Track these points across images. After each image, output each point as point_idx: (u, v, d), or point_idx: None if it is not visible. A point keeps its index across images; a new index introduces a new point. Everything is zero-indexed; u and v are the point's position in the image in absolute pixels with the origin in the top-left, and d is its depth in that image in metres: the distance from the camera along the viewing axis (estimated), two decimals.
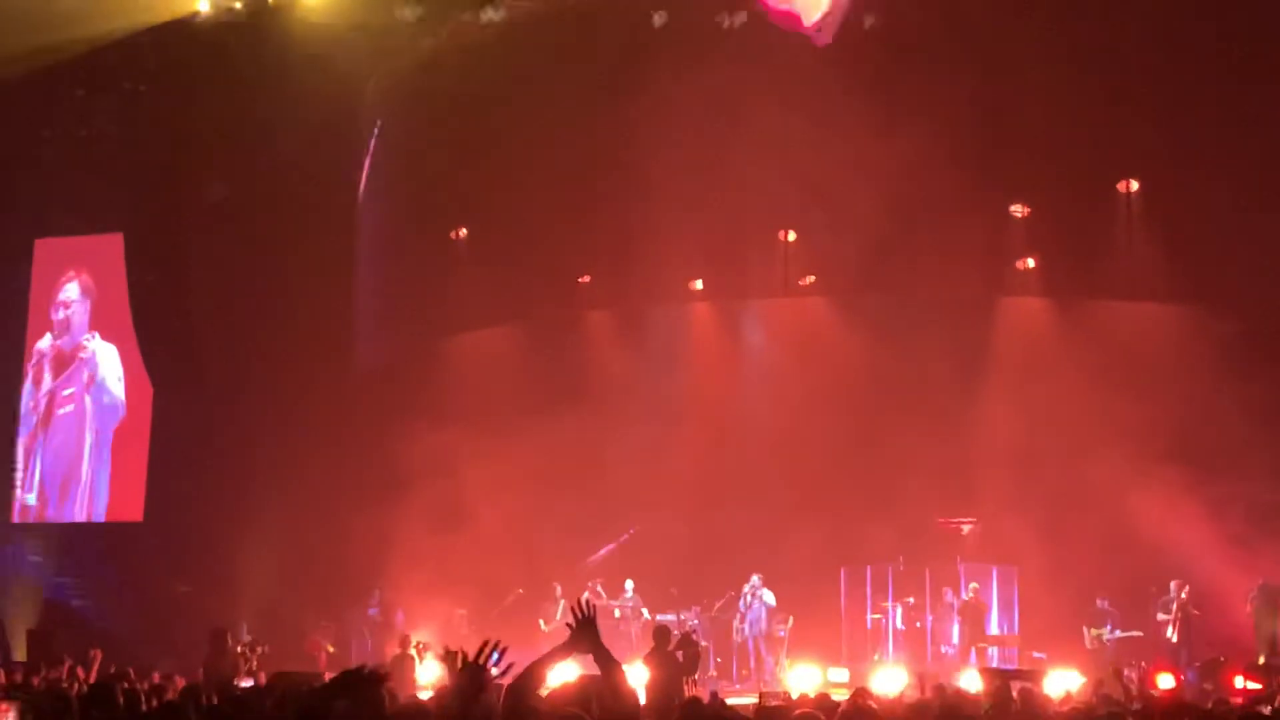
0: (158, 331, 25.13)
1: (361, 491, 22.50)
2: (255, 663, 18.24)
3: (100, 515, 25.47)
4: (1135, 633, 20.68)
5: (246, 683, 15.71)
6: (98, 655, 16.98)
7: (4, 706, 10.26)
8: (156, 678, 15.36)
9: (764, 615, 22.06)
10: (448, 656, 6.95)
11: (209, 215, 24.32)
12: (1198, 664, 19.14)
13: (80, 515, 25.59)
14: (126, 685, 10.77)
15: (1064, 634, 20.79)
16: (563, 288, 24.77)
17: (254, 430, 23.60)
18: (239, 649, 17.62)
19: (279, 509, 22.49)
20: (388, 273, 24.82)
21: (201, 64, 23.69)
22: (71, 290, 26.14)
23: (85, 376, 25.80)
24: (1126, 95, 20.97)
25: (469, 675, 5.61)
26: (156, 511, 24.60)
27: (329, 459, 23.15)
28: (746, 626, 22.19)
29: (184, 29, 24.08)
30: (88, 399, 25.79)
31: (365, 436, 23.24)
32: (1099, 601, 20.90)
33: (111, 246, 25.78)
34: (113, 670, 15.55)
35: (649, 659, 15.85)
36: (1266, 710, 12.68)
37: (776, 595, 22.16)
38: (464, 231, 24.82)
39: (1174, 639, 20.13)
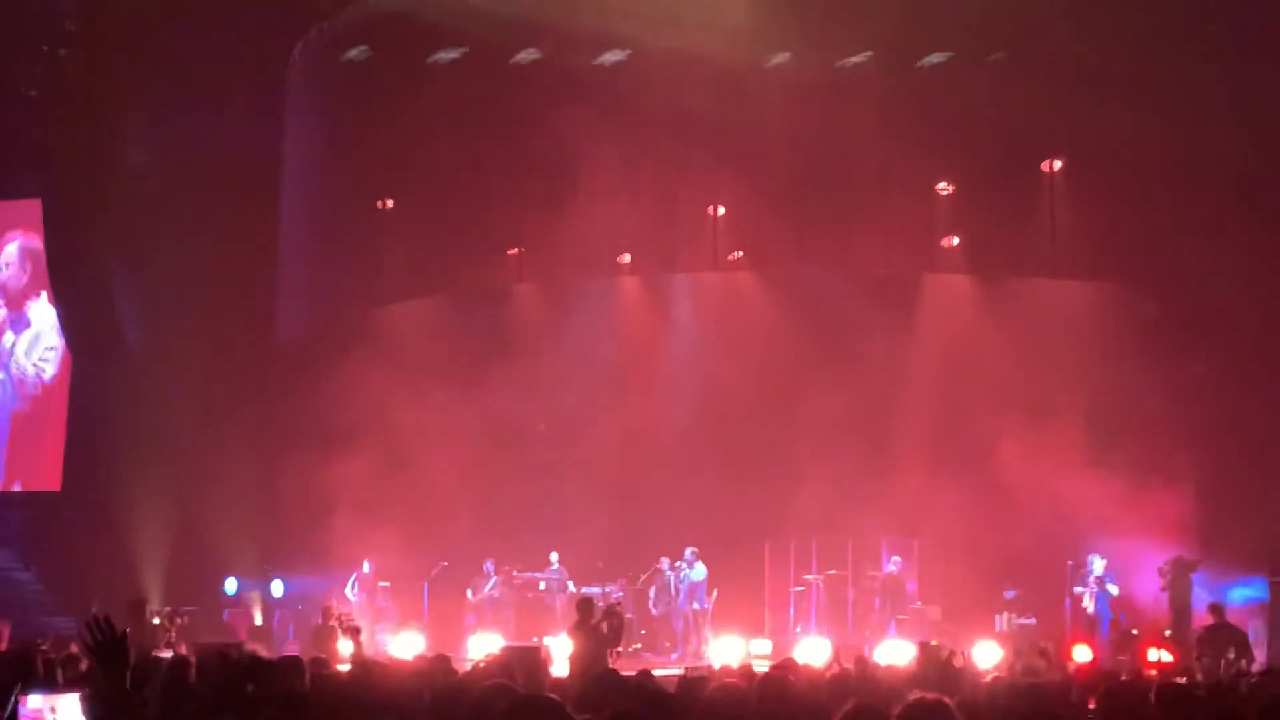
0: (76, 299, 24.72)
1: (283, 462, 22.29)
2: (174, 634, 18.05)
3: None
4: (1030, 620, 20.85)
5: (165, 654, 15.53)
6: (6, 626, 16.72)
7: None
8: (74, 648, 15.13)
9: (691, 589, 22.13)
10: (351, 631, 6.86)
11: (129, 182, 23.91)
12: (1113, 637, 19.46)
13: None
14: (41, 656, 10.58)
15: (984, 607, 21.05)
16: (491, 259, 24.63)
17: (174, 400, 23.30)
18: (157, 620, 17.42)
19: (198, 479, 22.26)
20: (312, 242, 24.57)
21: (122, 29, 23.26)
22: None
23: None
24: (1050, 74, 21.18)
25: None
26: (74, 481, 24.24)
27: (251, 429, 22.94)
28: (665, 600, 22.25)
29: None
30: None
31: (288, 408, 23.03)
32: (1006, 593, 21.02)
33: (32, 212, 25.33)
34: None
35: (573, 631, 15.90)
36: (1181, 681, 12.94)
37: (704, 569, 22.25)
38: (390, 202, 24.58)
39: (1091, 612, 20.42)
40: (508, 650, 15.87)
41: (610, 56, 22.55)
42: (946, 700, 5.08)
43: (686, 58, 21.49)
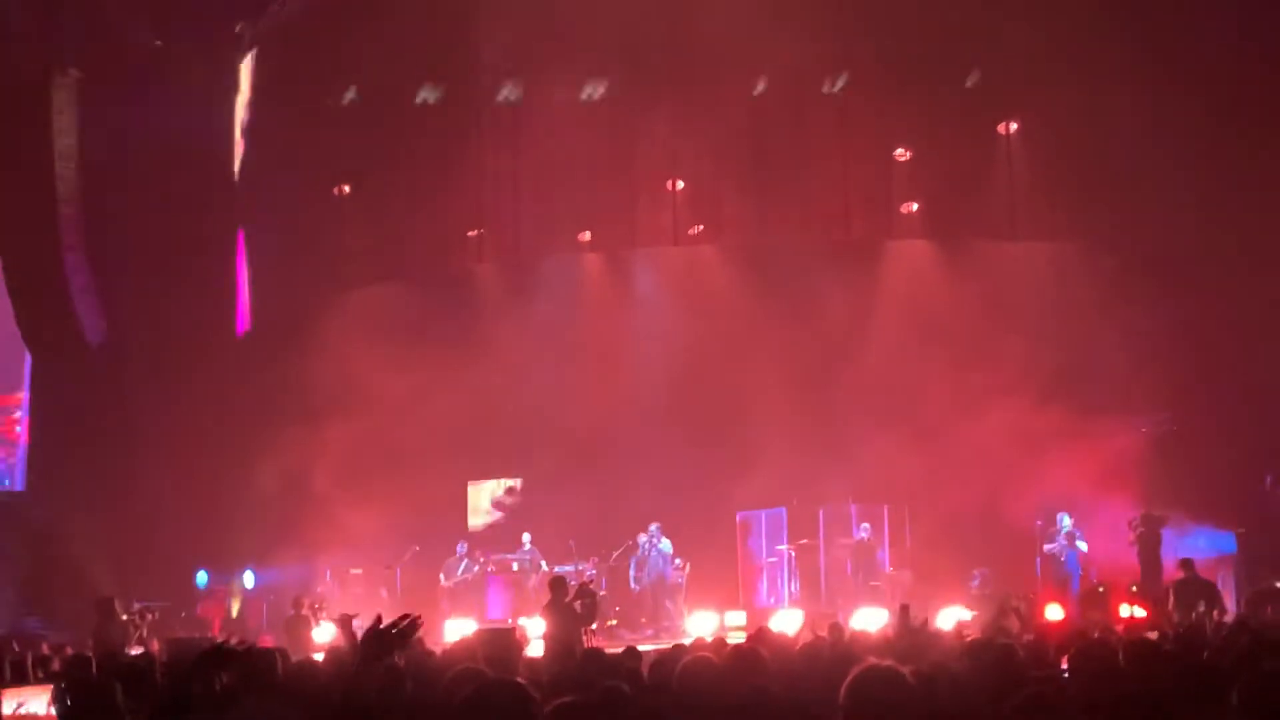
0: (33, 296, 24.44)
1: (250, 453, 22.16)
2: (145, 630, 17.93)
3: None
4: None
5: (136, 650, 15.45)
6: None
7: None
8: (45, 648, 15.05)
9: (661, 563, 22.15)
10: (343, 621, 6.86)
11: (84, 174, 23.65)
12: (1084, 593, 19.59)
13: None
14: (13, 656, 10.53)
15: (954, 571, 21.13)
16: (451, 242, 24.54)
17: (137, 394, 23.11)
18: (126, 617, 17.29)
19: (164, 473, 22.11)
20: (271, 230, 24.37)
21: (74, 18, 22.98)
22: None
23: None
24: (1003, 37, 21.24)
25: (376, 643, 5.48)
26: (39, 479, 24.03)
27: (214, 420, 22.76)
28: (645, 575, 22.26)
29: None
30: None
31: (252, 397, 22.86)
32: (973, 580, 20.91)
33: None
34: None
35: (546, 610, 15.88)
36: (1153, 636, 13.02)
37: (673, 542, 22.27)
38: (347, 188, 24.43)
39: (1061, 570, 20.55)
40: (481, 633, 15.88)
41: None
42: (898, 667, 5.06)
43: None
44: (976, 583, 20.96)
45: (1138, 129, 21.04)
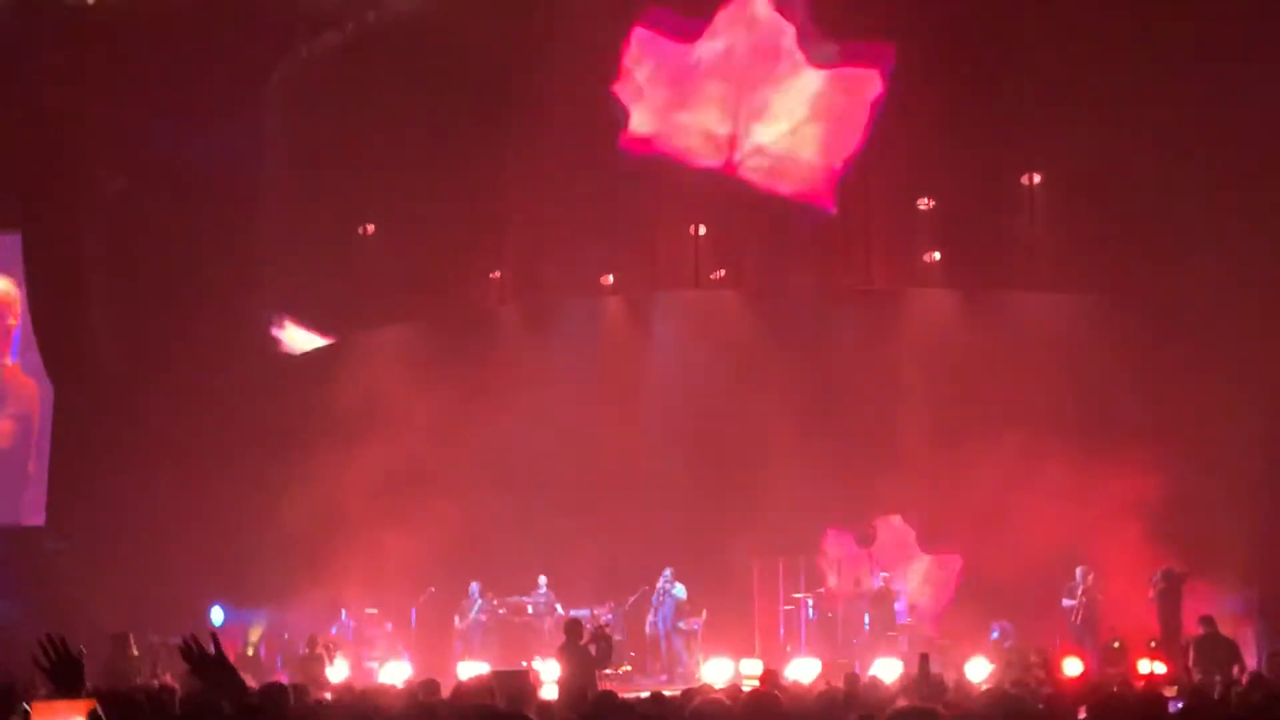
0: (57, 330, 24.60)
1: (269, 489, 22.18)
2: (159, 664, 17.91)
3: None
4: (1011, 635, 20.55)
5: (152, 684, 15.41)
6: None
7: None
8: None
9: (674, 609, 22.03)
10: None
11: (108, 209, 23.85)
12: (1102, 648, 19.41)
13: None
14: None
15: (973, 622, 20.97)
16: (473, 283, 24.62)
17: (157, 429, 23.19)
18: (138, 652, 17.28)
19: (182, 509, 22.15)
20: (294, 269, 24.50)
21: (95, 54, 23.23)
22: None
23: None
24: (1028, 89, 21.31)
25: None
26: (58, 513, 24.08)
27: (233, 456, 22.82)
28: (659, 620, 22.15)
29: (74, 16, 23.53)
30: None
31: (272, 433, 22.92)
32: (992, 632, 20.70)
33: (10, 245, 25.18)
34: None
35: (561, 653, 15.84)
36: (1170, 692, 12.91)
37: (689, 589, 22.15)
38: (371, 227, 24.56)
39: (1079, 624, 20.38)
40: (494, 674, 15.81)
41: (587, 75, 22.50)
42: (937, 709, 5.00)
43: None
44: (996, 635, 20.79)
45: (1161, 180, 21.05)
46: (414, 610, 22.71)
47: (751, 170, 22.02)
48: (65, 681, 5.48)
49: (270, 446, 22.98)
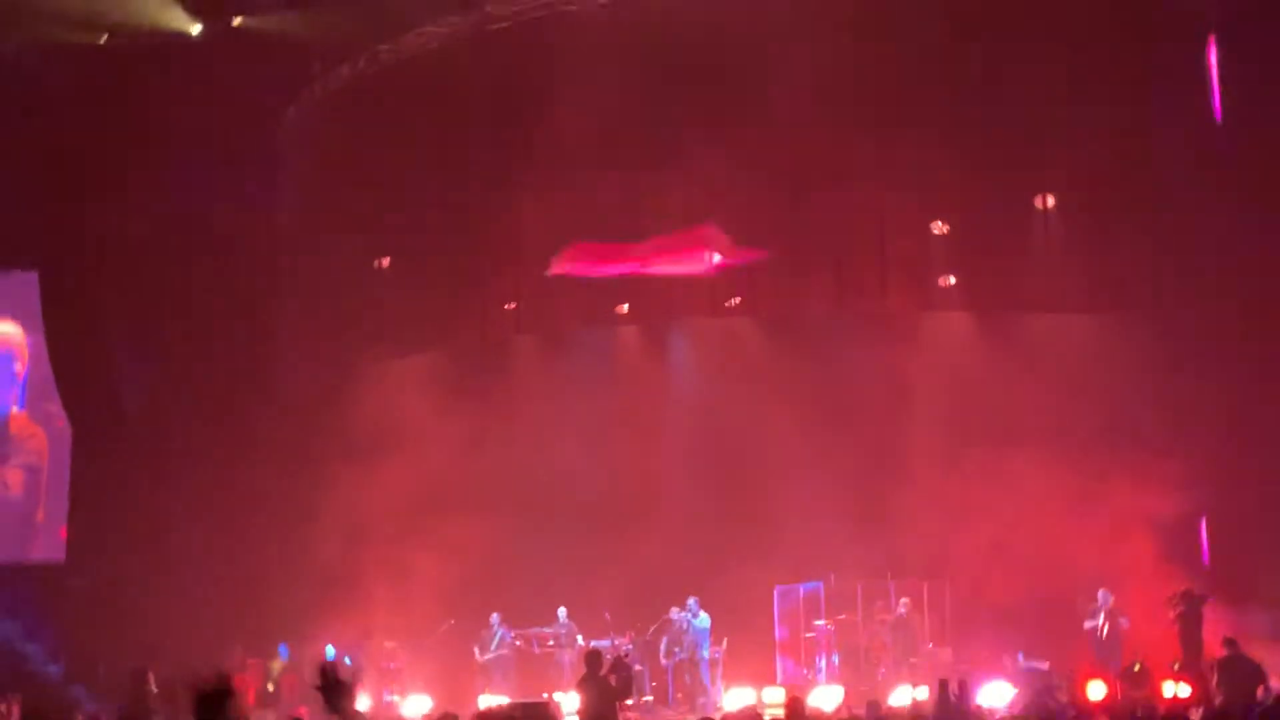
0: (76, 369, 24.71)
1: (289, 525, 22.23)
2: (180, 703, 17.89)
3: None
4: (1043, 665, 20.57)
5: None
6: (16, 703, 16.59)
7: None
8: (80, 719, 15.05)
9: (698, 638, 21.95)
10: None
11: (126, 249, 23.99)
12: (1129, 671, 19.27)
13: None
14: None
15: (995, 648, 20.85)
16: (489, 313, 24.69)
17: (176, 466, 23.27)
18: (157, 690, 17.29)
19: (202, 546, 22.20)
20: (311, 304, 24.60)
21: (112, 93, 23.42)
22: None
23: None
24: (1040, 112, 21.35)
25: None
26: (79, 551, 24.15)
27: (253, 492, 22.88)
28: (680, 650, 22.05)
29: (91, 56, 23.72)
30: None
31: (291, 468, 22.98)
32: (1016, 657, 20.62)
33: (28, 285, 25.33)
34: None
35: (581, 685, 15.76)
36: (1195, 715, 12.83)
37: (710, 617, 22.08)
38: (386, 261, 24.67)
39: (1102, 646, 20.26)
40: (515, 706, 15.77)
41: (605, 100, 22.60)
42: None
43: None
44: (1019, 660, 20.68)
45: (1174, 200, 21.05)
46: (433, 643, 22.65)
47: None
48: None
49: (290, 481, 23.04)
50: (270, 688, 22.84)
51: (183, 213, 23.38)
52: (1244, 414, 20.38)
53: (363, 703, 19.53)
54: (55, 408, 24.60)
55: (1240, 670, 17.14)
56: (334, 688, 5.96)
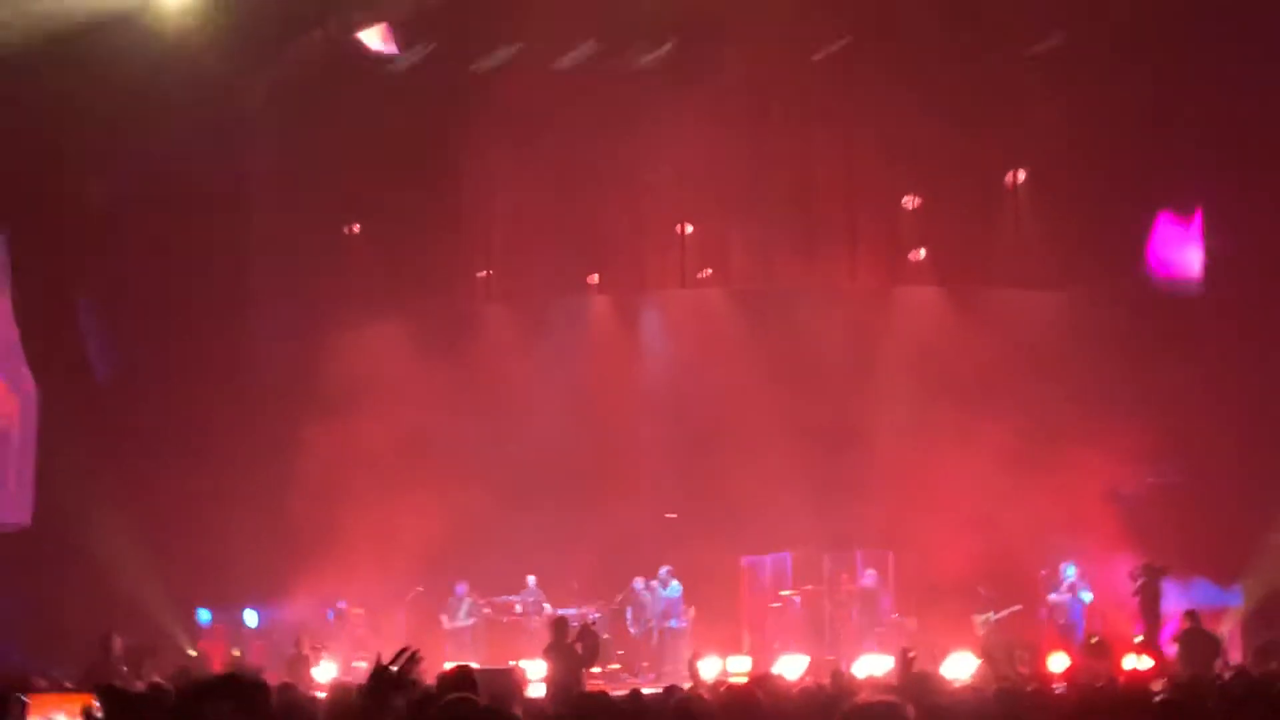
0: (43, 332, 24.49)
1: (258, 491, 22.16)
2: (145, 666, 17.88)
3: None
4: (1015, 607, 20.92)
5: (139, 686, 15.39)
6: None
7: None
8: (42, 683, 14.98)
9: (667, 607, 22.07)
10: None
11: (95, 213, 23.77)
12: (1088, 644, 19.48)
13: None
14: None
15: (960, 617, 21.05)
16: (459, 282, 24.62)
17: (145, 432, 23.12)
18: (118, 654, 17.24)
19: (170, 511, 22.09)
20: (280, 269, 24.47)
21: (83, 54, 23.15)
22: None
23: None
24: (1012, 88, 21.40)
25: (382, 680, 5.48)
26: (45, 515, 24.00)
27: (222, 458, 22.77)
28: (649, 618, 22.17)
29: (61, 17, 23.43)
30: None
31: (261, 433, 22.90)
32: (980, 589, 21.05)
33: None
34: None
35: (548, 652, 15.86)
36: (1158, 686, 12.96)
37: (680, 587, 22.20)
38: (357, 227, 24.56)
39: (1065, 619, 20.47)
40: (480, 673, 15.80)
41: (574, 55, 22.57)
42: (897, 702, 4.96)
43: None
44: (983, 631, 20.90)
45: (1143, 177, 21.16)
46: (401, 610, 22.67)
47: None
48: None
49: (259, 445, 22.95)
50: (236, 653, 22.81)
51: (153, 175, 23.13)
52: (1209, 388, 20.52)
53: (329, 669, 19.53)
54: (25, 370, 24.35)
55: (1200, 643, 17.34)
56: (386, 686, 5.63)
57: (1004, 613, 20.90)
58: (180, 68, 22.65)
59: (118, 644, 16.98)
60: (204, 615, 23.20)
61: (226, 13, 22.68)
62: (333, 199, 24.05)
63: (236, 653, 22.59)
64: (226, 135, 23.73)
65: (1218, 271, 21.25)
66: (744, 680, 16.60)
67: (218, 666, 21.43)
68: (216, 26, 22.56)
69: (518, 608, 22.73)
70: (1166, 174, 21.18)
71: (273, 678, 17.64)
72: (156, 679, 16.13)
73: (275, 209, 24.32)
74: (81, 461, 23.25)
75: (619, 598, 22.56)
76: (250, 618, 23.28)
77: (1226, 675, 14.20)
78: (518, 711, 7.16)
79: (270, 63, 23.84)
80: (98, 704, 6.87)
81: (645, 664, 22.07)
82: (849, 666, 18.02)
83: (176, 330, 23.11)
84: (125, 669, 17.13)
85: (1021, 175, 22.71)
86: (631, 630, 22.20)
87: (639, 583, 22.17)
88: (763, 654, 21.43)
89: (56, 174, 23.94)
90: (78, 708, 9.68)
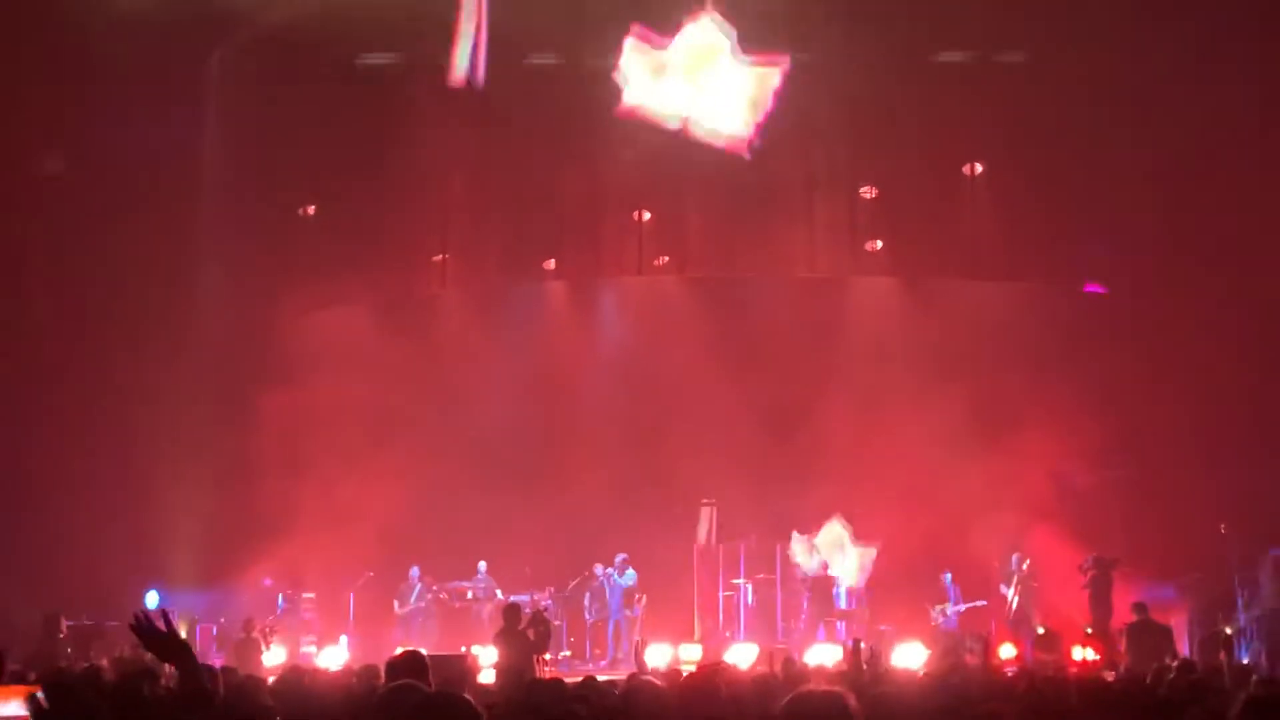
0: None
1: (204, 473, 21.98)
2: (94, 648, 17.72)
3: None
4: (979, 602, 21.13)
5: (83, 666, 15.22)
6: None
7: None
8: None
9: (620, 595, 22.05)
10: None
11: (44, 189, 23.47)
12: (1037, 635, 19.62)
13: None
14: None
15: (911, 607, 21.15)
16: (415, 266, 24.48)
17: (94, 412, 22.87)
18: (63, 634, 17.09)
19: (116, 490, 21.87)
20: (234, 250, 24.24)
21: (33, 28, 22.83)
22: None
23: None
24: (968, 79, 21.49)
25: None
26: None
27: (171, 439, 22.56)
28: (602, 606, 22.13)
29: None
30: None
31: (209, 415, 22.69)
32: (943, 576, 21.30)
33: None
34: None
35: (499, 639, 15.80)
36: (1110, 676, 13.07)
37: (635, 576, 22.19)
38: (312, 209, 24.35)
39: (1015, 610, 20.61)
40: (431, 659, 15.73)
41: (537, 59, 22.50)
42: (839, 691, 4.94)
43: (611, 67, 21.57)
44: (938, 621, 21.03)
45: (1101, 170, 21.29)
46: (352, 595, 22.55)
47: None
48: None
49: (210, 428, 22.75)
50: (183, 634, 22.57)
51: (105, 152, 22.86)
52: (1161, 383, 20.70)
53: (279, 654, 19.39)
54: None
55: (1148, 636, 17.47)
56: (155, 643, 5.73)
57: (964, 606, 21.03)
58: (136, 43, 22.39)
59: (63, 626, 16.80)
60: (152, 598, 22.95)
61: None
62: (288, 180, 23.83)
63: (183, 635, 22.39)
64: (182, 111, 23.49)
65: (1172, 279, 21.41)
66: (696, 668, 16.65)
67: None
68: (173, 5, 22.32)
69: (470, 594, 22.65)
70: (1120, 173, 21.29)
71: (218, 661, 17.60)
72: (103, 661, 16.03)
73: (228, 188, 24.08)
74: (27, 443, 22.99)
75: (572, 584, 22.52)
76: (151, 599, 23.01)
77: (1173, 666, 14.36)
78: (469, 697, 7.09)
79: (226, 40, 23.61)
80: (43, 696, 6.74)
81: (598, 651, 22.05)
82: (800, 655, 18.05)
83: (126, 310, 22.85)
84: (71, 650, 16.96)
85: (979, 168, 22.79)
86: (588, 617, 22.16)
87: (599, 569, 22.12)
88: (714, 642, 21.45)
89: (4, 149, 23.61)
90: (21, 698, 9.50)
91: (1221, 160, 20.64)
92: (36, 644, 16.14)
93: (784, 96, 21.32)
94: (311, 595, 22.66)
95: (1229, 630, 18.06)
